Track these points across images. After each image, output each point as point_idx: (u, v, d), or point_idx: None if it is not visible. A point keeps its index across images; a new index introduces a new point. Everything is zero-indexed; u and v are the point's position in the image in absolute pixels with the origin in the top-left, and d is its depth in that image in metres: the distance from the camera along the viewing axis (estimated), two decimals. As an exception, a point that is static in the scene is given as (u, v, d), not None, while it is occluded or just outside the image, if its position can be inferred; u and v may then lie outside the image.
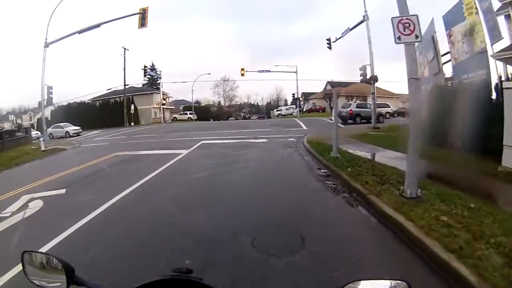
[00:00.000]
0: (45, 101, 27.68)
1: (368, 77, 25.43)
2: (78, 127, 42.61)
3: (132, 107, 57.29)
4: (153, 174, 11.18)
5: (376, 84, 27.18)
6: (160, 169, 12.01)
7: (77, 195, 9.26)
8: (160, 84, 66.79)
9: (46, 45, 28.28)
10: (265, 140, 19.31)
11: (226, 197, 8.08)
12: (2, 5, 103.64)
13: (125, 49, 55.93)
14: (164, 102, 62.54)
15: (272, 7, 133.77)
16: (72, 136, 38.88)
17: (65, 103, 64.24)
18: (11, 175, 15.14)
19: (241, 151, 15.21)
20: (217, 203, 7.50)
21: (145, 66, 54.01)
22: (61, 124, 43.45)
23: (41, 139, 25.44)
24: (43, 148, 22.62)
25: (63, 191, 9.77)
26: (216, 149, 16.61)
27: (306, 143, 16.04)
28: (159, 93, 68.41)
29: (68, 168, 13.93)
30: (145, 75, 52.49)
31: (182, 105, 79.53)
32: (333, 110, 13.26)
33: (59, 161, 18.09)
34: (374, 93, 26.21)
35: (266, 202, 7.38)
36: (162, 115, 62.37)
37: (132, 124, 55.55)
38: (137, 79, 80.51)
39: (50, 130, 40.20)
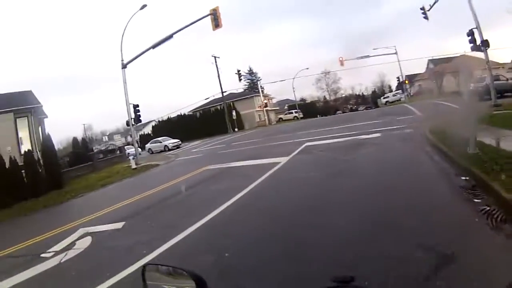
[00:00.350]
0: (132, 119, 28.12)
1: (478, 43, 21.83)
2: (177, 140, 42.97)
3: (234, 113, 57.65)
4: (228, 204, 8.54)
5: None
6: (242, 193, 9.43)
7: (134, 231, 8.25)
8: (259, 85, 66.37)
9: (124, 66, 28.89)
10: (378, 134, 16.31)
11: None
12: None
13: (215, 57, 57.10)
14: (266, 103, 61.76)
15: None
16: (171, 149, 39.33)
17: (165, 117, 68.32)
18: (89, 199, 15.61)
19: (353, 153, 12.72)
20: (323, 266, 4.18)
21: (239, 71, 53.88)
22: (160, 138, 45.01)
23: (131, 157, 26.43)
24: (133, 166, 23.32)
25: (120, 225, 8.87)
26: (321, 153, 14.28)
27: (429, 134, 13.20)
28: (260, 96, 68.54)
29: (149, 189, 13.51)
30: (240, 80, 52.57)
31: (287, 105, 78.63)
32: (466, 90, 9.28)
33: (145, 180, 18.07)
34: (488, 62, 22.44)
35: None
36: (266, 117, 61.68)
37: (236, 129, 55.95)
38: (234, 85, 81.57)
39: (148, 145, 44.99)
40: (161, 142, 42.90)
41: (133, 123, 28.18)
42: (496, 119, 13.91)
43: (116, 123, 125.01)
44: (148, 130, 74.24)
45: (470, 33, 21.56)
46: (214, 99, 62.70)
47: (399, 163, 10.02)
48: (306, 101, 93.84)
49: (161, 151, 39.74)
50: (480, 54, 21.58)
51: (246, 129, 57.21)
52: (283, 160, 13.92)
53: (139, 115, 28.36)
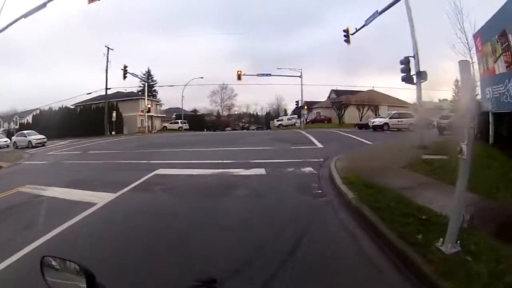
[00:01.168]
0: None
1: (412, 73, 17.46)
2: (42, 137, 37.03)
3: (114, 114, 50.86)
4: None
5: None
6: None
7: None
8: (145, 88, 58.40)
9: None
10: (263, 171, 11.25)
11: None
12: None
13: (108, 48, 49.67)
14: (149, 107, 54.37)
15: (271, 16, 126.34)
16: (35, 147, 34.01)
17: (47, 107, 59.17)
18: None
19: (209, 205, 7.60)
20: None
21: (125, 67, 45.89)
22: (25, 132, 38.81)
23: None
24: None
25: None
26: (162, 197, 8.89)
27: (343, 183, 8.07)
28: (145, 99, 61.71)
29: None
30: (124, 77, 44.86)
31: (175, 113, 71.80)
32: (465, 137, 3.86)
33: None
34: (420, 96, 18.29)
35: None
36: (146, 123, 54.38)
37: (113, 133, 49.77)
38: (128, 84, 72.77)
39: (14, 138, 38.93)
40: (26, 137, 36.98)
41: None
42: (437, 169, 9.39)
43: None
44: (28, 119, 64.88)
45: (405, 61, 16.98)
46: (101, 95, 53.71)
47: (285, 253, 4.54)
48: (197, 113, 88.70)
49: (26, 147, 34.61)
50: (411, 87, 17.08)
51: (123, 134, 51.27)
52: (104, 199, 8.35)
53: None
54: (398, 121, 32.78)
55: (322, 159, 12.52)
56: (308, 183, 9.17)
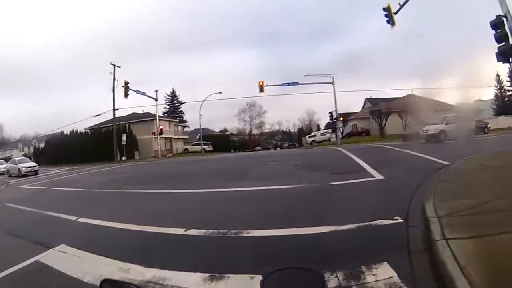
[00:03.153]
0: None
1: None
2: (33, 164, 34.42)
3: (124, 138, 45.80)
4: None
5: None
6: None
7: None
8: (155, 108, 52.85)
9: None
10: None
11: None
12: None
13: (114, 65, 44.78)
14: (161, 129, 48.70)
15: (294, 30, 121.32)
16: (25, 175, 31.57)
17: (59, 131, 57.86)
18: None
19: None
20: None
21: (126, 83, 40.61)
22: (16, 159, 36.86)
23: None
24: None
25: None
26: None
27: None
28: (165, 120, 57.51)
29: None
30: (126, 95, 40.13)
31: (199, 135, 67.13)
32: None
33: None
34: None
35: None
36: (159, 147, 48.82)
37: (124, 158, 45.58)
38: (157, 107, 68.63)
39: (7, 165, 36.63)
40: (16, 164, 34.01)
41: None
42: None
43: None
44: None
45: (498, 23, 10.53)
46: (116, 117, 48.82)
47: None
48: (226, 132, 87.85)
49: (17, 175, 32.37)
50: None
51: (135, 159, 46.87)
52: None
53: None
54: (455, 127, 25.80)
55: (399, 218, 5.79)
56: None
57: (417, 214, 5.86)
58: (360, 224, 5.70)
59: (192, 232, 6.34)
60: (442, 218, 5.05)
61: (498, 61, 11.16)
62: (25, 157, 38.24)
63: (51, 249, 6.12)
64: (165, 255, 5.24)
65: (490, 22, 10.84)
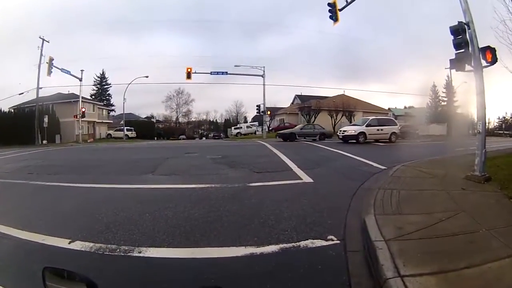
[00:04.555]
0: None
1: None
2: None
3: (46, 120, 42.06)
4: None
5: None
6: None
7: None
8: (80, 89, 49.25)
9: None
10: None
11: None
12: None
13: (43, 40, 40.90)
14: (83, 111, 45.27)
15: (232, 21, 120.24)
16: None
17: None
18: None
19: None
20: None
21: (51, 59, 36.77)
22: None
23: None
24: None
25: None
26: None
27: None
28: (89, 102, 54.12)
29: None
30: (50, 72, 36.88)
31: (124, 120, 63.77)
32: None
33: None
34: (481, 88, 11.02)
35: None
36: (81, 131, 45.51)
37: (45, 141, 41.94)
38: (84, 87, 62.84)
39: None
40: None
41: None
42: None
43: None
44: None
45: (459, 29, 9.71)
46: (41, 97, 44.53)
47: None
48: (151, 119, 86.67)
49: None
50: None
51: (56, 144, 42.75)
52: None
53: None
54: (378, 130, 25.71)
55: (334, 238, 4.60)
56: None
57: (356, 232, 4.83)
58: (284, 245, 4.49)
59: (77, 245, 5.02)
60: (390, 242, 4.02)
61: (452, 68, 10.36)
62: None
63: None
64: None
65: (450, 27, 10.01)
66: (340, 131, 27.47)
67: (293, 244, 4.49)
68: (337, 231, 4.81)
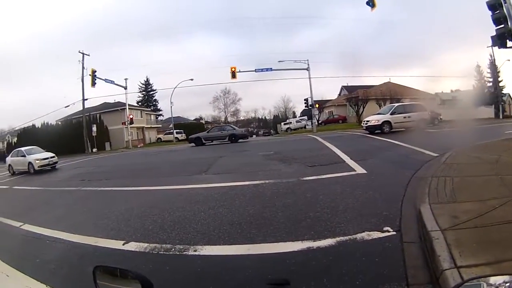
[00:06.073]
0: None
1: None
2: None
3: (94, 128, 43.79)
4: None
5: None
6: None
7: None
8: (126, 97, 50.97)
9: None
10: None
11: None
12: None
13: (83, 54, 42.77)
14: (131, 118, 47.06)
15: (271, 18, 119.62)
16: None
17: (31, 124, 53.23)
18: None
19: None
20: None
21: (94, 71, 37.99)
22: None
23: None
24: None
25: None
26: None
27: None
28: (136, 109, 55.72)
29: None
30: (93, 84, 38.26)
31: (173, 123, 65.26)
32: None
33: None
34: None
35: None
36: (130, 137, 47.13)
37: (95, 150, 43.44)
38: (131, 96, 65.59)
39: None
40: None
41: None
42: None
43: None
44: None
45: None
46: (87, 108, 46.94)
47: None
48: (200, 120, 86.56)
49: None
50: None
51: (106, 151, 44.95)
52: None
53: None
54: (404, 118, 23.51)
55: (390, 229, 4.59)
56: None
57: (412, 222, 4.74)
58: (342, 238, 4.51)
59: (131, 246, 5.20)
60: (446, 232, 3.91)
61: (494, 45, 10.07)
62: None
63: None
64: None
65: (487, 2, 9.71)
66: (364, 121, 26.16)
67: (349, 237, 4.51)
68: (393, 222, 4.81)
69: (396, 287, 3.12)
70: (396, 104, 25.67)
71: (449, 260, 3.22)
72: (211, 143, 31.00)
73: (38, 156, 22.79)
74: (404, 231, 4.50)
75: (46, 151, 24.96)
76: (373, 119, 24.43)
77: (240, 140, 30.90)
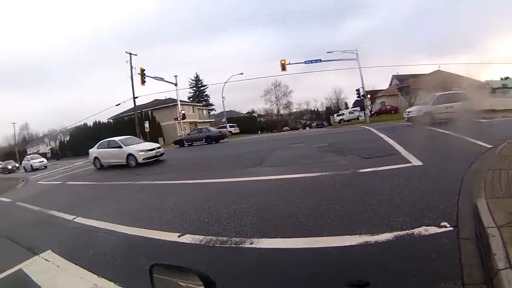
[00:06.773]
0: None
1: None
2: (42, 160, 37.57)
3: (147, 125, 45.36)
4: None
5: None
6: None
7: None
8: (176, 93, 52.24)
9: None
10: None
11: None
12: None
13: (130, 54, 43.74)
14: (183, 113, 48.32)
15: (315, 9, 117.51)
16: (36, 169, 33.94)
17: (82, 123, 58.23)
18: None
19: None
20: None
21: (143, 70, 39.78)
22: (29, 156, 39.40)
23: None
24: None
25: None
26: None
27: None
28: (188, 104, 56.83)
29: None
30: (143, 82, 39.33)
31: (225, 117, 66.49)
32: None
33: None
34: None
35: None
36: (183, 132, 48.18)
37: None
38: (181, 92, 68.02)
39: (23, 162, 37.66)
40: (29, 161, 36.40)
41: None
42: None
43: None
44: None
45: None
46: (138, 105, 48.63)
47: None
48: (253, 114, 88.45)
49: (30, 170, 34.85)
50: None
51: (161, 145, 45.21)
52: None
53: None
54: (447, 108, 21.10)
55: (447, 225, 4.56)
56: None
57: (469, 218, 4.69)
58: (399, 232, 4.57)
59: (187, 238, 5.51)
60: (502, 229, 3.83)
61: None
62: (36, 154, 39.13)
63: (37, 256, 5.85)
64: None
65: None
66: (406, 112, 25.10)
67: (407, 231, 4.53)
68: (449, 217, 4.78)
69: (451, 286, 3.13)
70: (438, 94, 24.70)
71: (504, 259, 3.13)
72: (192, 145, 34.33)
73: (141, 147, 20.51)
74: (461, 227, 4.46)
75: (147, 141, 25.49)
76: (415, 110, 23.72)
77: (221, 141, 33.34)
